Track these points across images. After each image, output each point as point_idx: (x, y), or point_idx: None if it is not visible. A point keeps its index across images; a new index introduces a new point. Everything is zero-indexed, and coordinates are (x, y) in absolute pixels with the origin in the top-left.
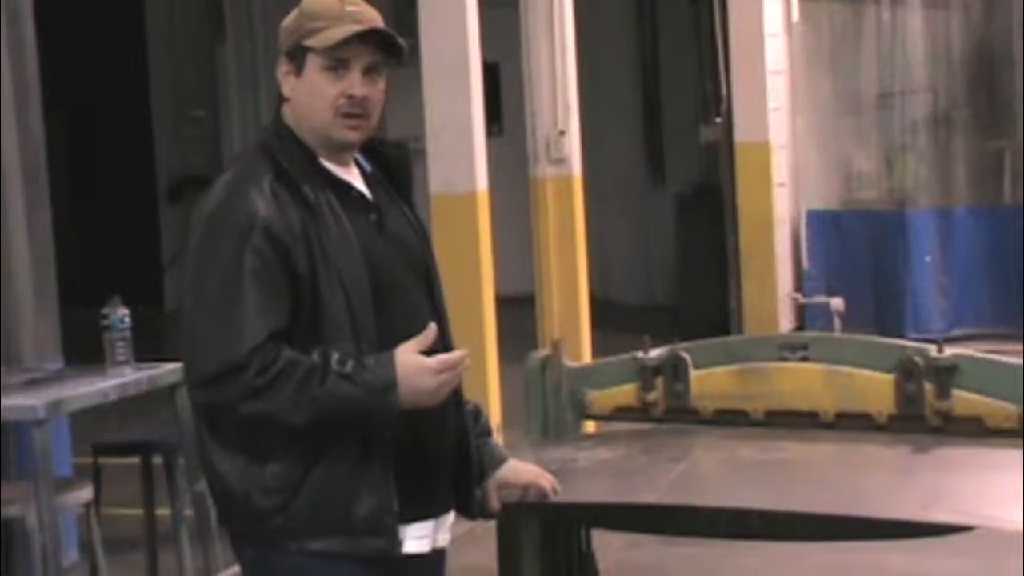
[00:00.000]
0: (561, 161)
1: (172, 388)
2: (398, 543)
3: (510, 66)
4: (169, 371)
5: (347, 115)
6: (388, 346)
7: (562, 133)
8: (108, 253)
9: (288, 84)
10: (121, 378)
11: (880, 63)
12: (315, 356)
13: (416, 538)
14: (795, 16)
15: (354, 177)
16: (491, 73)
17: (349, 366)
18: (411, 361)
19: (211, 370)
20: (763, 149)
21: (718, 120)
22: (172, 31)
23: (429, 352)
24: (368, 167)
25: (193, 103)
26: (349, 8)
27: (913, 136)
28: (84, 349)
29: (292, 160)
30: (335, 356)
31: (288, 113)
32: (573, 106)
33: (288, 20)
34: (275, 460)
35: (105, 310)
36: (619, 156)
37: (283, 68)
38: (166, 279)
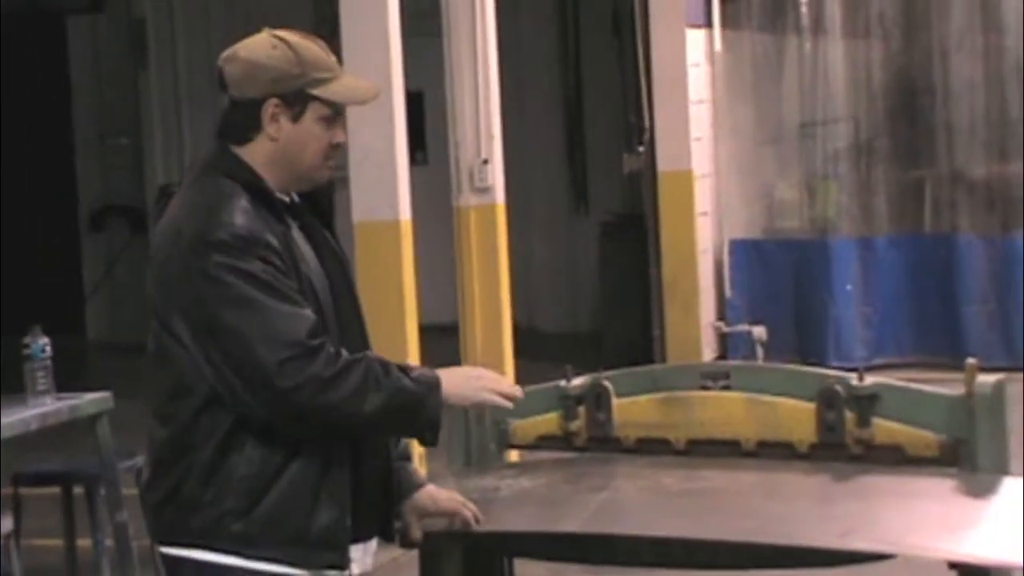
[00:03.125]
0: (484, 190)
1: (93, 418)
2: (348, 559)
3: (434, 95)
4: (90, 401)
5: (326, 159)
6: None
7: (485, 162)
8: (29, 282)
9: (276, 126)
10: (42, 408)
11: (802, 92)
12: (369, 353)
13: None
14: (717, 46)
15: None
16: (415, 102)
17: (401, 364)
18: (460, 370)
19: (277, 358)
20: (686, 178)
21: (641, 149)
22: (95, 58)
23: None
24: (295, 196)
25: (116, 131)
26: (333, 56)
27: (835, 165)
28: (4, 378)
29: (262, 183)
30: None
31: (254, 150)
32: (496, 135)
33: (279, 62)
34: (247, 464)
35: (26, 339)
36: (543, 185)
37: (272, 110)
38: (88, 308)
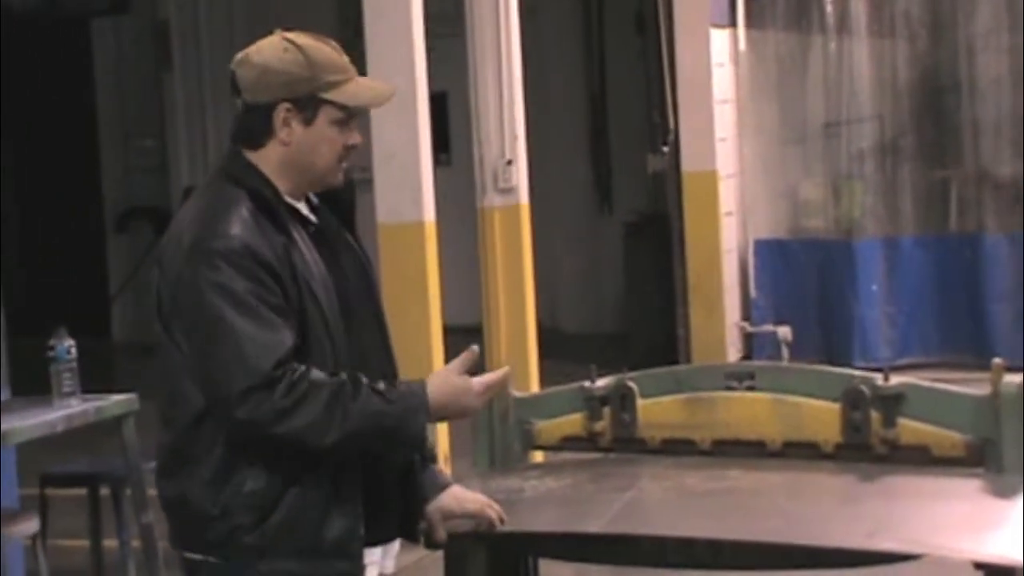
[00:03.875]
0: (508, 190)
1: (119, 419)
2: (361, 567)
3: (458, 95)
4: (115, 402)
5: (340, 162)
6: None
7: (509, 162)
8: (55, 283)
9: (288, 131)
10: (68, 409)
11: (827, 92)
12: (343, 375)
13: (368, 563)
14: (742, 45)
15: (306, 210)
16: (438, 103)
17: (381, 384)
18: (450, 382)
19: (240, 387)
20: (710, 178)
21: (665, 149)
22: (120, 60)
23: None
24: (314, 198)
25: (141, 133)
26: (345, 57)
27: (860, 165)
28: (31, 380)
29: (267, 191)
30: (365, 378)
31: (268, 155)
32: (520, 135)
33: (290, 65)
34: (254, 478)
35: (52, 341)
36: (567, 185)
37: (284, 115)
38: (113, 310)
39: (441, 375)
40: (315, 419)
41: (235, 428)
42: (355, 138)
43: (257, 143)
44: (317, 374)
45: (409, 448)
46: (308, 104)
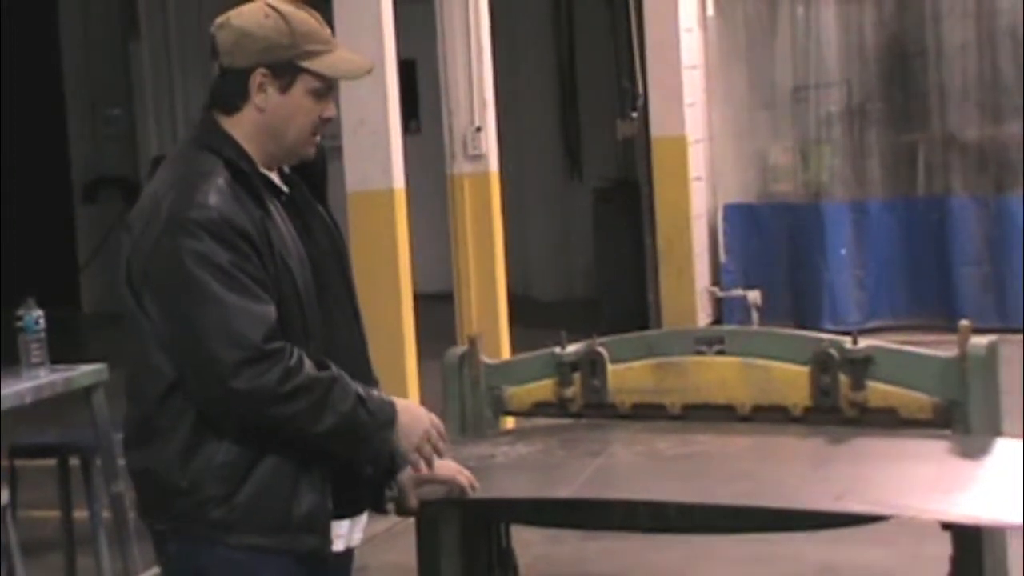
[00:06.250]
0: (478, 158)
1: (88, 390)
2: (329, 541)
3: (427, 63)
4: (85, 373)
5: (314, 134)
6: (330, 349)
7: (479, 129)
8: (23, 254)
9: (263, 96)
10: (36, 380)
11: (795, 56)
12: (334, 370)
13: (335, 537)
14: (710, 11)
15: (278, 180)
16: (407, 70)
17: (362, 390)
18: (411, 408)
19: (233, 359)
20: (679, 143)
21: (635, 115)
22: (86, 28)
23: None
24: (286, 167)
25: (108, 101)
26: (327, 29)
27: (828, 129)
28: None
29: (243, 163)
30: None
31: (242, 121)
32: (490, 102)
33: (269, 31)
34: (225, 451)
35: (20, 311)
36: (536, 152)
37: (260, 79)
38: (82, 280)
39: (406, 401)
40: (306, 411)
41: (225, 398)
42: (330, 111)
43: (232, 108)
44: (311, 367)
45: (367, 462)
46: (286, 71)
